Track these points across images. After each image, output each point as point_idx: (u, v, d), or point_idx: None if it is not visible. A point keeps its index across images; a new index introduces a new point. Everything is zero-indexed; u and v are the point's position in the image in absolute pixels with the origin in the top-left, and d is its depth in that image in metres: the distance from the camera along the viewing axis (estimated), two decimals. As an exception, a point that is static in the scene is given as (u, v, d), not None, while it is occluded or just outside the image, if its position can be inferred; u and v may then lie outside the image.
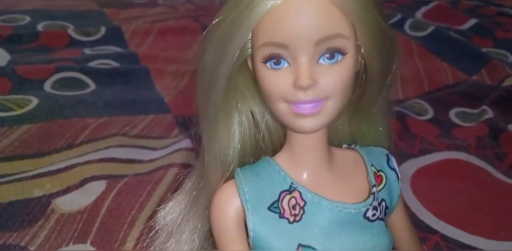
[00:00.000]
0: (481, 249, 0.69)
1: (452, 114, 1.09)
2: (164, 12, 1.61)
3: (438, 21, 1.65)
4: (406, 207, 0.74)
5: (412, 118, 1.04)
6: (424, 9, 1.79)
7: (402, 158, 0.89)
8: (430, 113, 1.08)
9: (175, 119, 0.98)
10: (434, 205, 0.77)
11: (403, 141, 0.96)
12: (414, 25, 1.58)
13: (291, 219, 0.37)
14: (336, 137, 0.44)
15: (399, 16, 1.63)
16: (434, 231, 0.72)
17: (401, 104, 1.09)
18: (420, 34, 1.52)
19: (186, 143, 0.86)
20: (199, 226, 0.43)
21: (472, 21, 1.63)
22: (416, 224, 0.72)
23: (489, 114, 1.05)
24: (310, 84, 0.33)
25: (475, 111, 1.09)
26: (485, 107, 1.09)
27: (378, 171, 0.41)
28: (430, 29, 1.53)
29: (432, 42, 1.47)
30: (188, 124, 0.93)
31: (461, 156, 0.92)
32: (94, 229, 0.65)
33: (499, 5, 1.85)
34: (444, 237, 0.71)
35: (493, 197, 0.80)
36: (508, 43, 1.49)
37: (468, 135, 0.99)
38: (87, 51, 1.28)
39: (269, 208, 0.38)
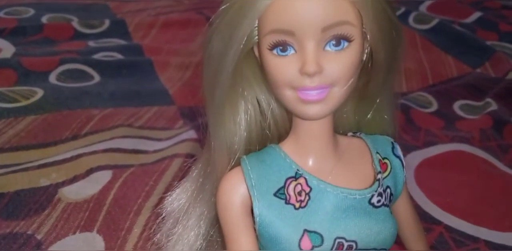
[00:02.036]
0: (484, 239, 0.69)
1: (456, 106, 1.09)
2: (168, 5, 1.62)
3: (443, 14, 1.65)
4: (411, 198, 0.75)
5: (417, 110, 1.04)
6: (428, 2, 1.79)
7: (406, 150, 0.89)
8: (435, 106, 1.08)
9: (179, 111, 0.98)
10: (438, 196, 0.78)
11: (407, 133, 0.96)
12: (418, 18, 1.58)
13: (297, 205, 0.38)
14: (341, 125, 0.44)
15: (403, 9, 1.63)
16: (438, 222, 0.72)
17: (405, 97, 1.10)
18: (424, 27, 1.52)
19: (190, 134, 0.87)
20: (205, 212, 0.43)
21: (477, 14, 1.63)
22: (420, 215, 0.72)
23: (493, 106, 1.06)
24: (317, 70, 0.34)
25: (479, 103, 1.10)
26: (489, 99, 1.09)
27: (383, 158, 0.42)
28: (434, 22, 1.53)
29: (436, 35, 1.47)
30: (192, 115, 0.93)
31: (465, 147, 0.92)
32: (101, 218, 0.66)
33: (504, -2, 1.85)
34: (448, 228, 0.71)
35: (496, 188, 0.81)
36: (513, 36, 1.49)
37: (472, 127, 1.00)
38: (92, 43, 1.29)
39: (275, 194, 0.38)
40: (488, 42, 1.41)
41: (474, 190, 0.80)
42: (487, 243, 0.69)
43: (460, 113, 1.06)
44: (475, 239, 0.69)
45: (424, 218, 0.72)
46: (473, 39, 1.43)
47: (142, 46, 1.28)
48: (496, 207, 0.76)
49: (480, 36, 1.47)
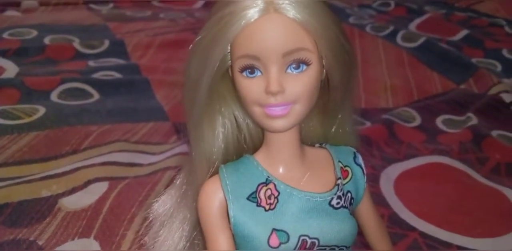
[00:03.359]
0: (456, 245, 0.73)
1: (439, 121, 1.13)
2: (165, 25, 1.66)
3: (431, 32, 1.70)
4: (388, 206, 0.80)
5: (400, 125, 1.08)
6: (418, 20, 1.84)
7: (387, 162, 0.95)
8: (418, 121, 1.13)
9: (173, 126, 1.03)
10: (415, 205, 0.82)
11: (390, 146, 1.01)
12: (406, 36, 1.63)
13: (267, 207, 0.43)
14: (310, 137, 0.49)
15: (392, 28, 1.69)
16: (413, 229, 0.76)
17: (389, 113, 1.14)
18: (412, 45, 1.58)
19: (182, 148, 0.91)
20: (188, 216, 0.48)
21: (464, 32, 1.69)
22: (397, 222, 0.77)
23: (474, 121, 1.10)
24: (279, 90, 0.39)
25: (461, 118, 1.14)
26: (470, 114, 1.13)
27: (345, 166, 0.47)
28: (421, 40, 1.58)
29: (423, 52, 1.53)
30: (185, 131, 0.97)
31: (444, 160, 0.97)
32: (97, 225, 0.70)
33: (491, 16, 1.90)
34: (423, 234, 0.75)
35: (472, 198, 0.85)
36: (498, 53, 1.54)
37: (452, 141, 1.04)
38: (91, 63, 1.33)
39: (248, 198, 0.43)
40: (474, 59, 1.46)
41: (450, 199, 0.84)
42: (460, 248, 0.73)
43: (442, 127, 1.11)
44: (448, 245, 0.73)
45: (401, 225, 0.77)
46: (458, 57, 1.48)
47: (139, 65, 1.32)
48: (470, 215, 0.80)
49: (466, 53, 1.52)
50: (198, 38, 0.41)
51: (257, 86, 0.40)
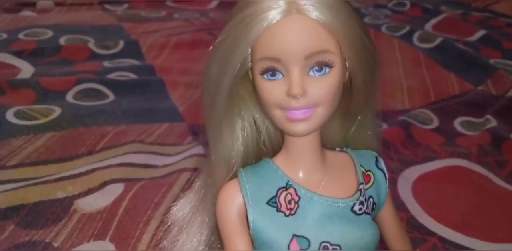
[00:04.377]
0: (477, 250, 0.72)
1: (457, 123, 1.12)
2: (179, 26, 1.66)
3: (447, 32, 1.68)
4: (406, 210, 0.79)
5: (417, 127, 1.07)
6: (434, 21, 1.82)
7: (405, 165, 0.93)
8: (435, 123, 1.11)
9: (189, 127, 1.02)
10: (434, 209, 0.81)
11: (407, 149, 0.99)
12: (422, 37, 1.61)
13: (287, 212, 0.42)
14: (330, 141, 0.49)
15: (407, 28, 1.67)
16: (432, 233, 0.75)
17: (407, 114, 1.13)
18: (428, 45, 1.55)
19: (198, 149, 0.91)
20: (207, 220, 0.48)
21: (481, 33, 1.66)
22: (415, 226, 0.76)
23: (493, 123, 1.08)
24: (301, 93, 0.38)
25: (479, 120, 1.12)
26: (488, 116, 1.12)
27: (367, 170, 0.46)
28: (438, 40, 1.56)
29: (440, 53, 1.50)
30: (200, 132, 0.97)
31: (462, 162, 0.95)
32: (113, 227, 0.70)
33: (508, 16, 1.88)
34: (442, 239, 0.74)
35: (491, 202, 0.83)
36: (516, 54, 1.52)
37: (470, 143, 1.02)
38: (106, 64, 1.33)
39: (267, 203, 0.42)
40: (491, 60, 1.44)
41: (469, 203, 0.83)
42: (480, 253, 0.72)
43: (460, 129, 1.09)
44: (467, 249, 0.72)
45: (419, 230, 0.75)
46: (476, 57, 1.45)
47: (154, 66, 1.31)
48: (489, 219, 0.79)
49: (483, 54, 1.49)
50: (218, 40, 0.40)
51: (279, 89, 0.39)
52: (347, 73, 0.41)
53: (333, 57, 0.39)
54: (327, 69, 0.39)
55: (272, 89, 0.40)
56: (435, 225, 0.77)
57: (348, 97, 0.44)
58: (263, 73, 0.40)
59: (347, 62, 0.40)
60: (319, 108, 0.40)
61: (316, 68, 0.39)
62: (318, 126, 0.41)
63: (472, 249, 0.72)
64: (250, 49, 0.40)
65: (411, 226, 0.76)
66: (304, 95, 0.39)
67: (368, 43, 0.40)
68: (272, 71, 0.39)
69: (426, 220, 0.78)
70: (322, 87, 0.39)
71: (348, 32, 0.38)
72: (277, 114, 0.40)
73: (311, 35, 0.38)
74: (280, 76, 0.39)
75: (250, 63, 0.42)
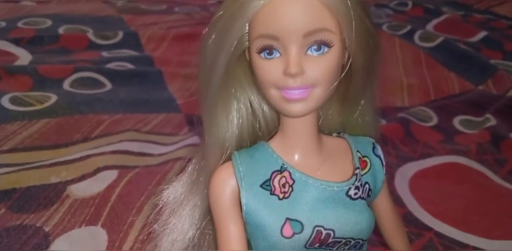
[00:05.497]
0: (473, 246, 0.71)
1: (456, 121, 1.11)
2: (179, 19, 1.66)
3: (449, 33, 1.67)
4: (403, 205, 0.78)
5: (416, 124, 1.07)
6: (435, 21, 1.82)
7: (402, 161, 0.93)
8: (434, 120, 1.11)
9: (185, 119, 1.02)
10: (431, 204, 0.80)
11: (405, 145, 0.99)
12: (423, 36, 1.61)
13: (281, 196, 0.41)
14: (327, 126, 0.47)
15: (409, 27, 1.66)
16: (428, 228, 0.74)
17: (406, 111, 1.12)
18: (429, 45, 1.55)
19: (194, 139, 0.90)
20: (199, 203, 0.46)
21: (482, 34, 1.65)
22: (412, 221, 0.76)
23: (492, 122, 1.08)
24: (298, 72, 0.37)
25: (479, 119, 1.12)
26: (488, 115, 1.11)
27: (363, 156, 0.45)
28: (439, 40, 1.56)
29: (441, 52, 1.50)
30: (197, 123, 0.97)
31: (461, 160, 0.95)
32: (105, 213, 0.69)
33: (510, 19, 1.87)
34: (438, 234, 0.73)
35: (489, 199, 0.83)
36: (517, 55, 1.51)
37: (469, 141, 1.02)
38: (105, 53, 1.33)
39: (261, 186, 0.42)
40: (492, 61, 1.44)
41: (467, 200, 0.82)
42: (476, 249, 0.71)
43: (459, 128, 1.09)
44: (464, 246, 0.71)
45: (415, 224, 0.75)
46: (477, 57, 1.45)
47: (153, 57, 1.31)
48: (487, 216, 0.78)
49: (484, 55, 1.49)
50: (215, 16, 0.40)
51: (276, 68, 0.38)
52: (346, 54, 0.40)
53: (332, 36, 0.38)
54: (326, 48, 0.38)
55: (269, 68, 0.39)
56: (432, 220, 0.77)
57: (347, 81, 0.43)
58: (260, 52, 0.39)
59: (346, 43, 0.39)
60: (316, 88, 0.39)
61: (315, 47, 0.38)
62: (315, 107, 0.40)
63: (468, 245, 0.72)
64: (247, 27, 0.39)
65: (408, 220, 0.76)
66: (301, 75, 0.38)
67: (369, 25, 0.39)
68: (269, 50, 0.38)
69: (422, 215, 0.78)
70: (320, 67, 0.38)
71: (349, 11, 0.37)
72: (274, 94, 0.39)
73: (311, 13, 0.37)
74: (278, 55, 0.38)
75: (247, 42, 0.41)
